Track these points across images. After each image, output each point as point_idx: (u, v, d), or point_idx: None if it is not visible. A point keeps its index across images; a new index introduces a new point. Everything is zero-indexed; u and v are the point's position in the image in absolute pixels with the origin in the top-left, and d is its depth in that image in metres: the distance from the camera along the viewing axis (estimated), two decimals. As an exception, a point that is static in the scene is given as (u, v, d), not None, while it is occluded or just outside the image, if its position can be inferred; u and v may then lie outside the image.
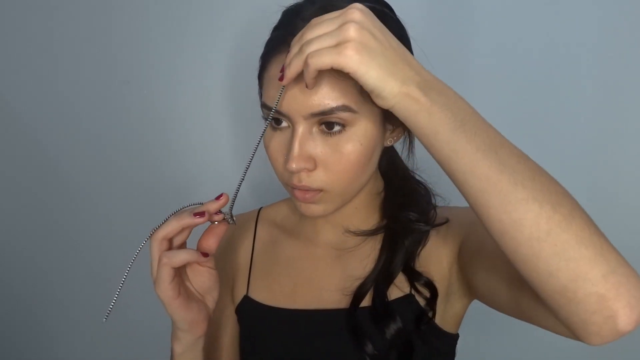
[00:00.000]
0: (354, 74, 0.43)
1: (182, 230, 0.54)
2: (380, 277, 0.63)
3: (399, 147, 0.68)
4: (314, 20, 0.46)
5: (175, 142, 1.03)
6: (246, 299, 0.71)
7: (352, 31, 0.42)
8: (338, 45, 0.43)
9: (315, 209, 0.59)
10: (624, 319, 0.39)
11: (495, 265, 0.53)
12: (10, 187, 1.13)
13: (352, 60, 0.42)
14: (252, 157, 0.54)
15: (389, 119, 0.58)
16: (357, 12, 0.43)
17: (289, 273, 0.70)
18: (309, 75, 0.46)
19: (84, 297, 1.17)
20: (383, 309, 0.62)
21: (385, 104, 0.45)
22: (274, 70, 0.55)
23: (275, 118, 0.56)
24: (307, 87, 0.50)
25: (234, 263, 0.75)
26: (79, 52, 1.02)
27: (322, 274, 0.68)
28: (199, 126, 1.01)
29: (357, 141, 0.54)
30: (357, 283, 0.64)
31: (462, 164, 0.42)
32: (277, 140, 0.57)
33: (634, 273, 0.40)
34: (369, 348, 0.60)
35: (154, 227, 0.54)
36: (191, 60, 0.97)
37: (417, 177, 0.71)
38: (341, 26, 0.43)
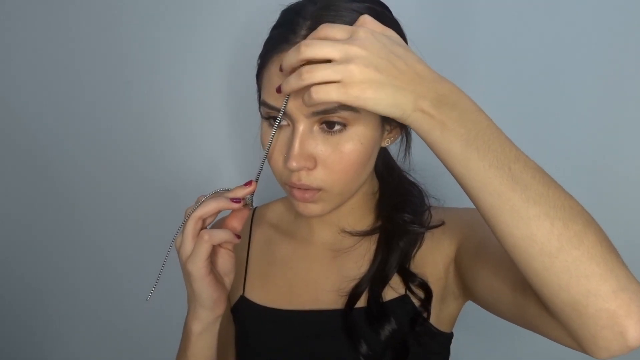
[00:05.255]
0: (364, 108, 0.44)
1: (216, 212, 0.56)
2: (376, 278, 0.64)
3: (396, 147, 0.68)
4: (318, 35, 0.46)
5: (176, 141, 1.03)
6: (242, 299, 0.71)
7: (356, 72, 0.42)
8: (343, 82, 0.43)
9: (314, 208, 0.59)
10: (634, 335, 0.39)
11: (499, 271, 0.53)
12: (11, 186, 1.13)
13: (358, 99, 0.43)
14: (267, 153, 0.56)
15: (387, 119, 0.58)
16: (359, 49, 0.43)
17: (285, 273, 0.70)
18: (312, 104, 0.46)
19: (83, 296, 1.16)
20: (378, 309, 0.62)
21: (403, 123, 0.46)
22: (274, 68, 0.55)
23: (274, 117, 0.56)
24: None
25: None
26: (80, 52, 1.02)
27: (317, 274, 0.68)
28: (201, 125, 1.01)
29: (358, 140, 0.55)
30: (352, 283, 0.64)
31: (475, 180, 0.43)
32: (276, 138, 0.57)
33: None
34: (364, 349, 0.61)
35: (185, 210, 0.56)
36: (193, 59, 0.97)
37: (411, 179, 0.71)
38: (344, 64, 0.43)
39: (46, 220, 1.13)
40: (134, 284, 1.09)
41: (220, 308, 0.60)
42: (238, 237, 0.58)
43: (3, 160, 1.12)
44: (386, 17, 0.57)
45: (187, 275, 0.57)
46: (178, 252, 0.57)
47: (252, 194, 0.58)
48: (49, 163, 1.09)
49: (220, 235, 0.55)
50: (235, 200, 0.56)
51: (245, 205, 0.58)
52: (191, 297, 0.59)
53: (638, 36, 0.81)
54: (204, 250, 0.54)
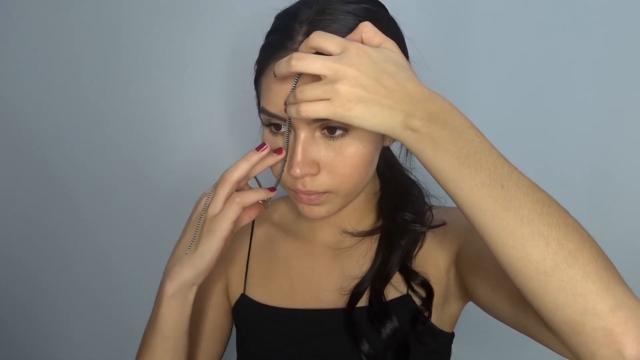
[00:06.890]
0: (352, 125, 0.45)
1: (249, 171, 0.57)
2: (377, 277, 0.64)
3: (397, 146, 0.68)
4: (310, 44, 0.46)
5: (176, 142, 1.02)
6: (243, 297, 0.71)
7: (343, 91, 0.43)
8: (331, 100, 0.44)
9: (319, 210, 0.59)
10: (632, 353, 0.39)
11: (498, 285, 0.53)
12: (10, 186, 1.13)
13: (345, 117, 0.44)
14: (285, 158, 0.57)
15: None
16: (348, 68, 0.43)
17: (286, 272, 0.70)
18: (303, 118, 0.49)
19: (82, 296, 1.17)
20: (380, 308, 0.62)
21: (395, 139, 0.46)
22: (273, 75, 0.54)
23: (275, 124, 0.56)
24: None
25: (230, 259, 0.74)
26: (80, 53, 1.01)
27: (319, 273, 0.68)
28: (201, 126, 1.01)
29: (360, 144, 0.55)
30: (354, 283, 0.65)
31: (468, 199, 0.43)
32: (279, 145, 0.57)
33: None
34: (366, 347, 0.61)
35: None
36: (193, 60, 0.96)
37: (412, 177, 0.71)
38: (332, 84, 0.44)
39: (44, 218, 1.13)
40: (136, 283, 1.09)
41: (202, 276, 0.58)
42: (273, 189, 0.59)
43: (3, 160, 1.11)
44: (382, 17, 0.57)
45: (207, 232, 0.57)
46: (206, 213, 0.58)
47: (271, 195, 0.60)
48: (49, 162, 1.09)
49: (252, 195, 0.57)
50: (261, 148, 0.56)
51: (263, 202, 0.61)
52: (179, 253, 0.59)
53: (638, 37, 0.79)
54: (233, 212, 0.56)
